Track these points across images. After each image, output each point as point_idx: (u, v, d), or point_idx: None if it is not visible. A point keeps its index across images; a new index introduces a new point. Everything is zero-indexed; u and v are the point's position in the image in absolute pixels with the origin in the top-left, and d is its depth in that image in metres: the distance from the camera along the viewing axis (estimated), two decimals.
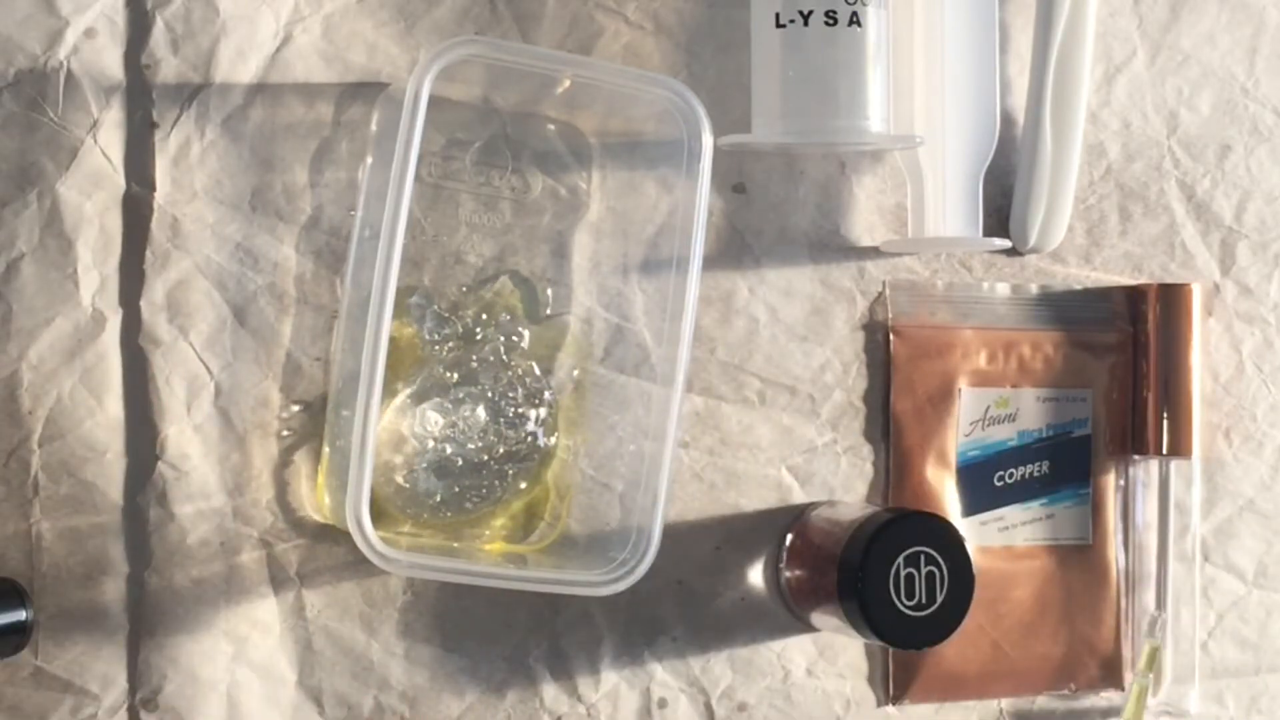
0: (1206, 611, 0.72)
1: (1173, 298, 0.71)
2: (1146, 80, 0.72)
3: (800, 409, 0.67)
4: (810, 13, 0.62)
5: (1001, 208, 0.69)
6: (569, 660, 0.65)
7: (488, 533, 0.63)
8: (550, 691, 0.65)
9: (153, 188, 0.60)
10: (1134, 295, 0.72)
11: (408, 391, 0.62)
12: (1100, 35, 0.70)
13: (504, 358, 0.63)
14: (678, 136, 0.61)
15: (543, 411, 0.63)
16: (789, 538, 0.67)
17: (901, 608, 0.61)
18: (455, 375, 0.62)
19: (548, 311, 0.64)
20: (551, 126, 0.64)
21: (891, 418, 0.68)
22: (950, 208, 0.67)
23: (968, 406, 0.69)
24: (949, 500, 0.69)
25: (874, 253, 0.68)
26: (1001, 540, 0.70)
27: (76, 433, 0.59)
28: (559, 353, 0.64)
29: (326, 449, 0.61)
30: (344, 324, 0.61)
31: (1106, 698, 0.71)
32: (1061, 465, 0.71)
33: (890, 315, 0.68)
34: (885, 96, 0.64)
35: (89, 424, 0.59)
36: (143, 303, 0.60)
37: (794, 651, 0.68)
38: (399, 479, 0.62)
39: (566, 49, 0.64)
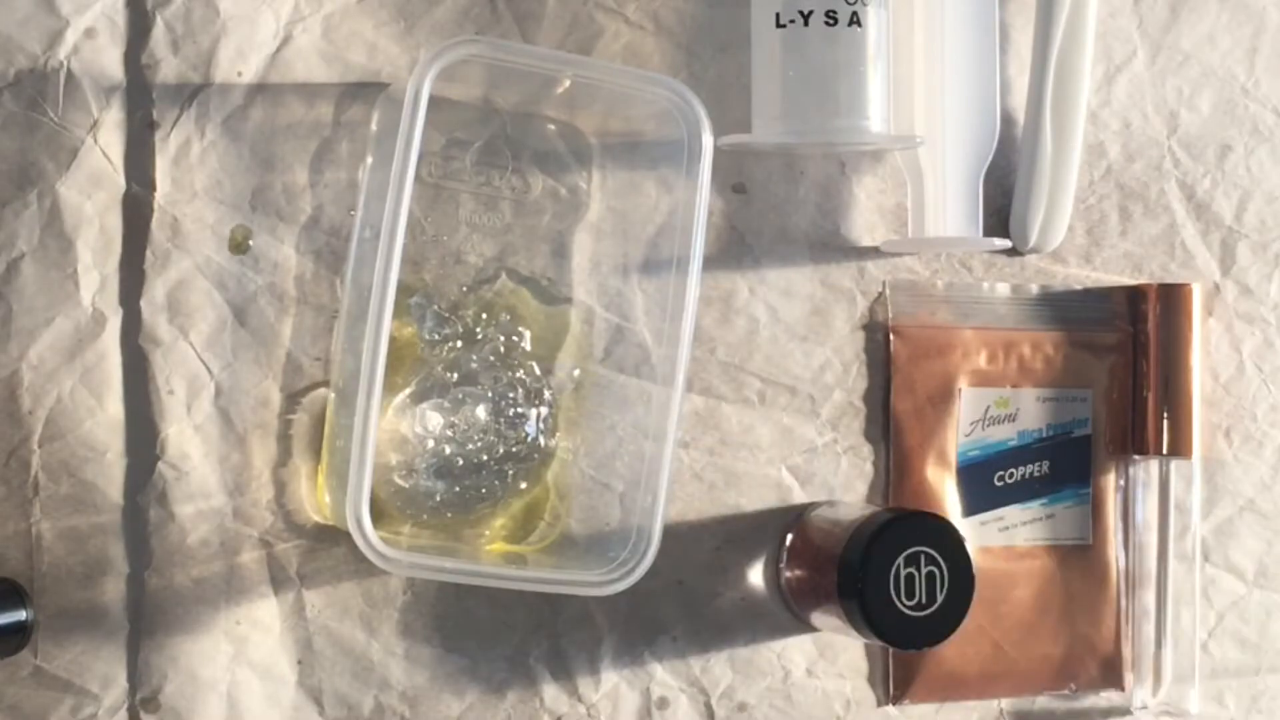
0: (1206, 611, 0.72)
1: (1173, 298, 0.71)
2: (1146, 80, 0.72)
3: (800, 409, 0.67)
4: (810, 13, 0.62)
5: (1001, 208, 0.69)
6: (569, 660, 0.65)
7: (488, 533, 0.63)
8: (550, 691, 0.65)
9: (153, 188, 0.60)
10: (1134, 295, 0.72)
11: (408, 391, 0.62)
12: (1100, 35, 0.70)
13: (504, 358, 0.63)
14: (678, 136, 0.61)
15: (543, 411, 0.63)
16: (789, 538, 0.66)
17: (901, 608, 0.61)
18: (455, 375, 0.62)
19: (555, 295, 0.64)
20: (551, 126, 0.64)
21: (891, 418, 0.68)
22: (950, 208, 0.67)
23: (968, 406, 0.69)
24: (949, 500, 0.69)
25: (874, 253, 0.68)
26: (1002, 540, 0.70)
27: (76, 433, 0.59)
28: (559, 353, 0.64)
29: (326, 449, 0.61)
30: (344, 324, 0.61)
31: (1106, 698, 0.71)
32: (1061, 465, 0.71)
33: (890, 315, 0.68)
34: (885, 96, 0.64)
35: (89, 424, 0.59)
36: (143, 303, 0.60)
37: (794, 651, 0.68)
38: (399, 479, 0.62)
39: (566, 49, 0.64)
